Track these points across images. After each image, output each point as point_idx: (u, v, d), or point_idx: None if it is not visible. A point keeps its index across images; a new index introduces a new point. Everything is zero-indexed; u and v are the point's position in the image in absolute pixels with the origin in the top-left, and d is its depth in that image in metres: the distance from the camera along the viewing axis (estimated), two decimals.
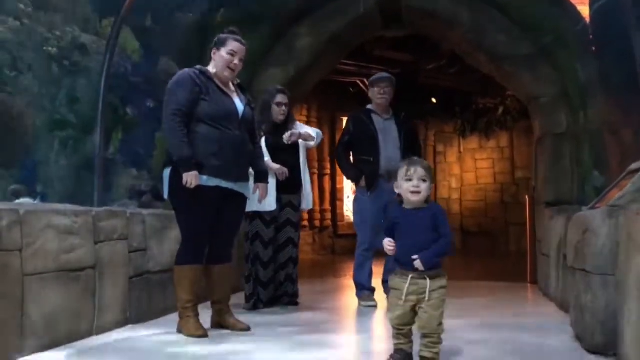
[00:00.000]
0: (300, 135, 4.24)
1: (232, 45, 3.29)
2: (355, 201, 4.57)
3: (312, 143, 4.36)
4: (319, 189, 10.79)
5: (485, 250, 11.06)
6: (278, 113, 4.28)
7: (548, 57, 5.08)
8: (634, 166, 2.99)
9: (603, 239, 2.70)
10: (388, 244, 2.50)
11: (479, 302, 4.60)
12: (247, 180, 3.43)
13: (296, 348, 2.91)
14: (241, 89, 3.49)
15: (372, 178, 4.36)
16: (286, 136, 4.18)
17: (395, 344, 2.51)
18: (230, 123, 3.25)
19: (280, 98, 4.29)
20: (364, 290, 4.41)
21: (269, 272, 4.17)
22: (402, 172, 2.49)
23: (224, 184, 3.24)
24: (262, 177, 3.56)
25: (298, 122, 4.52)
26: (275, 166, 4.15)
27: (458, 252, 11.32)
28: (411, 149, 4.40)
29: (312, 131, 4.39)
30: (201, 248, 3.26)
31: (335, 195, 11.17)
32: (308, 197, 4.34)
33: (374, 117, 4.51)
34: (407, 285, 2.41)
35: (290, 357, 2.75)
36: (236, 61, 3.30)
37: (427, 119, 11.73)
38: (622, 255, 2.56)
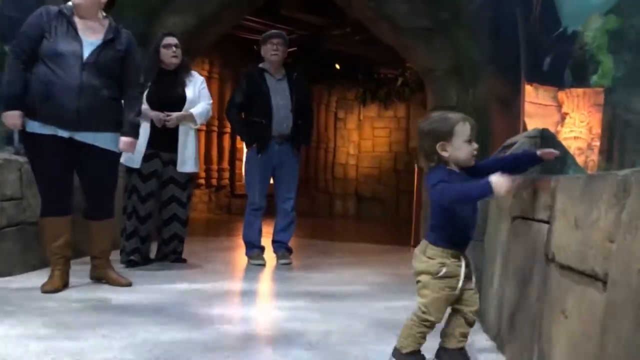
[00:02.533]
0: (177, 120, 3.97)
1: None
2: (247, 162, 4.57)
3: (192, 125, 4.08)
4: (217, 148, 10.60)
5: (378, 215, 11.51)
6: (168, 56, 4.00)
7: (444, 32, 5.28)
8: (507, 142, 3.22)
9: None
10: (505, 180, 1.81)
11: (368, 261, 4.81)
12: (102, 130, 3.08)
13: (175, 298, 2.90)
14: (117, 31, 3.15)
15: (263, 140, 4.34)
16: (158, 118, 3.90)
17: (414, 346, 1.96)
18: (69, 65, 2.95)
19: (169, 40, 4.02)
20: (254, 248, 4.46)
21: (147, 226, 4.03)
22: (463, 131, 1.91)
23: (61, 132, 2.99)
24: (126, 129, 3.17)
25: (198, 76, 4.26)
26: (153, 113, 3.92)
27: (352, 217, 11.71)
28: (302, 110, 4.45)
29: (201, 107, 4.06)
30: (57, 200, 3.09)
31: (235, 155, 11.03)
32: (187, 160, 4.06)
33: (267, 76, 4.43)
34: (463, 269, 1.94)
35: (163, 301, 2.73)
36: None
37: (330, 85, 11.84)
38: (490, 224, 2.77)
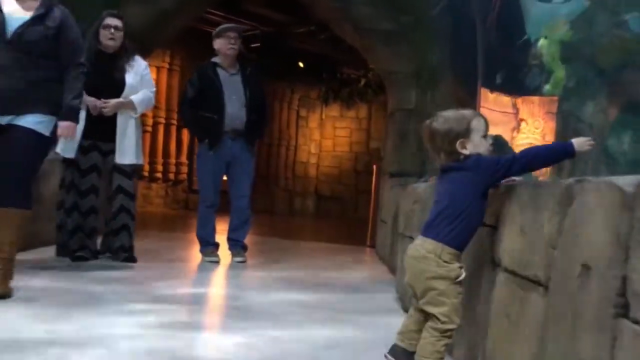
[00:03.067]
0: (115, 107, 3.72)
1: None
2: (199, 157, 4.46)
3: (132, 113, 3.82)
4: (176, 141, 10.44)
5: (336, 214, 11.56)
6: (106, 37, 3.72)
7: (406, 35, 5.34)
8: None
9: (429, 209, 2.94)
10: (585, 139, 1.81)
11: (319, 263, 4.81)
12: (26, 113, 2.77)
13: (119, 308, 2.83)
14: (50, 7, 2.87)
15: (215, 137, 4.24)
16: (93, 105, 3.66)
17: (447, 347, 1.87)
18: None
19: (109, 20, 3.75)
20: (208, 245, 4.38)
21: (90, 221, 3.81)
22: (479, 126, 1.87)
23: None
24: (64, 112, 2.88)
25: (141, 61, 3.94)
26: (89, 99, 3.62)
27: (311, 215, 11.72)
28: (257, 106, 4.34)
29: (142, 94, 3.80)
30: None
31: (193, 149, 10.87)
32: (127, 150, 3.79)
33: (220, 71, 4.30)
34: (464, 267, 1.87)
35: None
36: None
37: (293, 83, 11.82)
38: None
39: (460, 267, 1.82)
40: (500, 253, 1.83)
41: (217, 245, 4.42)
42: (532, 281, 1.56)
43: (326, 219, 11.06)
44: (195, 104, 4.30)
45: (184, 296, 3.16)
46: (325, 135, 12.24)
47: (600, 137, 2.81)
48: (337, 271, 4.39)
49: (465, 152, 1.84)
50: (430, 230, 1.86)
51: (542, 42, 3.01)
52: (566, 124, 3.16)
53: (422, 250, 1.84)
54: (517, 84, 3.48)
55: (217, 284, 3.75)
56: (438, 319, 1.80)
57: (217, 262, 4.27)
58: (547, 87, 3.15)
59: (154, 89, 4.01)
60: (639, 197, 1.12)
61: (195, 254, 4.55)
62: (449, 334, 1.82)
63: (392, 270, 4.28)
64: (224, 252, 4.43)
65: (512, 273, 1.71)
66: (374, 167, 6.50)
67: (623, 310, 1.12)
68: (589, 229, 1.30)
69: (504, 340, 1.70)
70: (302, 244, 6.31)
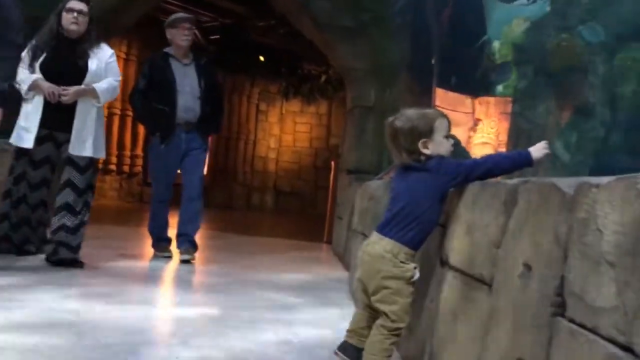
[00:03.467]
0: (75, 95, 3.47)
1: None
2: (151, 151, 4.31)
3: (95, 102, 3.56)
4: (131, 133, 10.21)
5: (295, 210, 11.55)
6: (68, 21, 3.47)
7: (365, 32, 5.36)
8: None
9: (383, 206, 2.95)
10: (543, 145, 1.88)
11: (276, 258, 4.78)
12: None
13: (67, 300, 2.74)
14: None
15: (167, 129, 4.09)
16: (51, 91, 3.40)
17: (389, 357, 1.86)
18: None
19: (72, 4, 3.50)
20: (160, 241, 4.29)
21: (38, 214, 3.62)
22: (442, 126, 1.86)
23: None
24: None
25: (107, 48, 3.69)
26: (45, 84, 3.40)
27: (269, 210, 11.67)
28: (212, 98, 4.21)
29: (107, 83, 3.57)
30: None
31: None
32: (85, 141, 3.51)
33: (172, 61, 4.15)
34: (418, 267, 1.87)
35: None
36: None
37: (253, 76, 11.72)
38: None
39: (415, 268, 1.84)
40: (448, 252, 1.85)
41: (169, 241, 4.32)
42: (477, 280, 1.58)
43: (285, 214, 11.03)
44: (146, 96, 4.15)
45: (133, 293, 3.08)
46: (285, 130, 12.20)
47: (548, 139, 2.89)
48: (291, 268, 4.38)
49: (427, 151, 1.83)
50: (387, 229, 1.85)
51: (495, 43, 3.06)
52: (516, 125, 3.23)
53: (380, 249, 1.83)
54: (471, 84, 3.53)
55: (166, 284, 3.68)
56: (388, 317, 1.81)
57: (170, 257, 4.18)
58: (499, 88, 3.21)
59: (120, 79, 3.73)
60: (578, 199, 1.15)
61: (147, 248, 4.45)
62: (398, 332, 1.83)
63: (347, 267, 4.29)
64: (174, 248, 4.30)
65: (459, 272, 1.73)
66: (332, 163, 6.50)
67: (560, 310, 1.14)
68: (531, 229, 1.33)
69: (450, 338, 1.72)
70: (258, 240, 6.27)
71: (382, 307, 1.82)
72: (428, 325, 1.92)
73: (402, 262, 1.80)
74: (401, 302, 1.81)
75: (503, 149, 3.92)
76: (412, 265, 1.83)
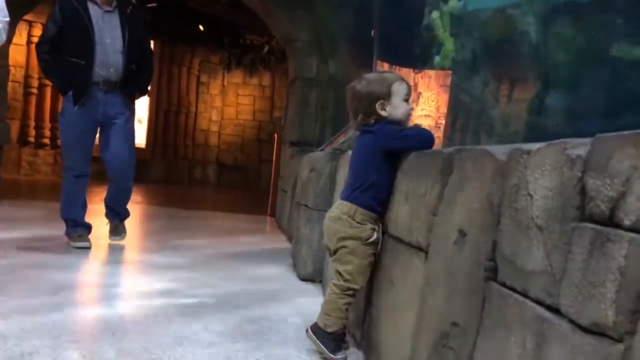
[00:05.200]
0: None
1: None
2: (62, 115, 3.59)
3: None
4: None
5: (239, 184, 11.43)
6: None
7: (306, 2, 5.27)
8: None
9: (324, 178, 2.95)
10: None
11: (220, 232, 4.72)
12: None
13: None
14: None
15: (82, 88, 3.46)
16: None
17: (341, 323, 1.87)
18: None
19: None
20: (75, 227, 3.58)
21: None
22: (400, 90, 1.88)
23: None
24: None
25: None
26: None
27: (212, 185, 11.50)
28: (138, 52, 3.64)
29: None
30: None
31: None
32: None
33: (91, 6, 3.49)
34: (379, 230, 1.88)
35: None
36: None
37: (193, 46, 11.38)
38: (338, 190, 2.83)
39: (373, 229, 1.85)
40: (386, 220, 1.86)
41: (87, 227, 3.62)
42: (415, 247, 1.60)
43: (228, 188, 10.91)
44: (57, 46, 3.45)
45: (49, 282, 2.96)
46: (227, 103, 11.97)
47: (484, 110, 2.94)
48: (233, 241, 4.34)
49: (384, 113, 1.86)
50: (346, 193, 1.91)
51: (434, 14, 3.07)
52: (455, 97, 3.27)
53: (338, 211, 1.89)
54: (410, 57, 3.54)
55: (89, 271, 3.56)
56: (342, 275, 1.85)
57: (87, 248, 3.50)
58: (437, 59, 3.24)
59: (8, 19, 3.06)
60: (510, 165, 1.16)
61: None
62: (351, 292, 1.86)
63: (290, 238, 4.29)
64: (96, 235, 3.68)
65: (397, 239, 1.75)
66: (275, 136, 6.44)
67: (492, 274, 1.17)
68: (466, 196, 1.34)
69: (388, 306, 1.74)
70: (204, 214, 6.18)
71: (337, 266, 1.87)
72: (368, 293, 1.94)
73: (358, 222, 1.84)
74: (356, 263, 1.84)
75: (442, 121, 3.98)
76: (370, 226, 1.85)
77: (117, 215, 3.76)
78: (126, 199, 3.77)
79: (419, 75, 4.28)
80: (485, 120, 2.91)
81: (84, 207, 3.62)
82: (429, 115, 4.36)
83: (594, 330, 0.81)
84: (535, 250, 1.02)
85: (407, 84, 1.93)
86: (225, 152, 11.88)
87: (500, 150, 1.26)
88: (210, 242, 4.11)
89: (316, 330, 1.85)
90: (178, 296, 2.53)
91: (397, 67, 4.25)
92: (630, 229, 0.79)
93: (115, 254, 3.50)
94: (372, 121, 1.88)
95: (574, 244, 0.90)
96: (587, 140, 1.08)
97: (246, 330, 2.11)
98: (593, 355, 0.80)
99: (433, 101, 4.33)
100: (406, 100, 1.90)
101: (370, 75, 1.97)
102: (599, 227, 0.85)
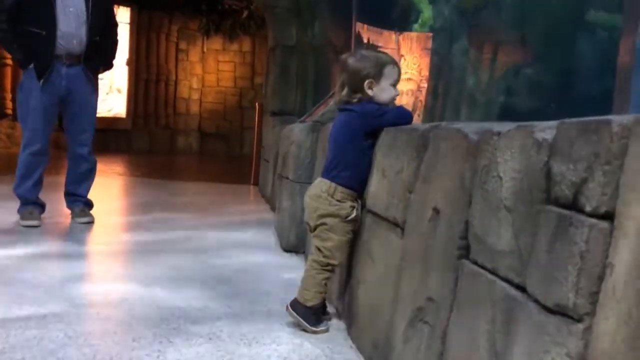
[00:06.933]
0: None
1: None
2: (21, 90, 3.44)
3: None
4: None
5: (222, 152, 11.37)
6: None
7: None
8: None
9: (305, 151, 2.96)
10: None
11: (204, 204, 4.73)
12: None
13: None
14: None
15: (44, 60, 3.30)
16: None
17: (320, 297, 1.90)
18: None
19: None
20: (27, 205, 3.44)
21: None
22: (392, 73, 1.89)
23: None
24: None
25: None
26: None
27: (195, 154, 11.43)
28: (103, 25, 3.48)
29: None
30: None
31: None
32: None
33: None
34: (358, 207, 1.89)
35: None
36: None
37: (171, 13, 11.13)
38: (318, 163, 2.84)
39: (352, 207, 1.88)
40: (366, 196, 1.89)
41: (40, 207, 3.50)
42: (392, 223, 1.63)
43: (211, 156, 10.85)
44: (16, 16, 3.27)
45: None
46: (207, 70, 11.78)
47: (462, 78, 2.95)
48: (217, 211, 4.35)
49: (370, 92, 1.86)
50: (326, 171, 1.93)
51: None
52: (436, 63, 3.27)
53: (317, 189, 1.91)
54: (389, 19, 3.52)
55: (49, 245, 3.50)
56: (321, 251, 1.89)
57: (36, 227, 3.35)
58: (415, 26, 3.22)
59: None
60: (482, 145, 1.18)
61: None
62: (330, 267, 1.90)
63: (274, 208, 4.31)
64: (54, 214, 3.63)
65: (376, 215, 1.78)
66: (257, 105, 6.39)
67: (465, 252, 1.20)
68: (440, 175, 1.37)
69: (368, 280, 1.79)
70: (187, 185, 6.16)
71: (317, 243, 1.90)
72: (348, 264, 1.97)
73: (338, 200, 1.88)
74: (335, 239, 1.88)
75: (425, 85, 3.98)
76: (349, 204, 1.88)
77: (79, 199, 3.61)
78: (90, 178, 3.65)
79: (401, 36, 4.25)
80: (465, 86, 2.92)
81: (38, 185, 3.48)
82: (411, 79, 4.35)
83: (557, 311, 0.84)
84: (504, 230, 1.05)
85: (399, 69, 1.93)
86: (207, 120, 11.76)
87: (472, 130, 1.28)
88: (194, 215, 4.12)
89: (296, 305, 1.90)
90: (158, 273, 2.55)
91: (378, 29, 4.21)
92: (591, 215, 0.82)
93: (82, 232, 3.51)
94: (355, 100, 1.88)
95: (540, 226, 0.94)
96: (554, 123, 1.10)
97: (229, 304, 2.15)
98: (556, 334, 0.84)
99: (415, 64, 4.31)
100: (393, 85, 1.90)
101: (366, 52, 1.98)
102: (563, 210, 0.88)
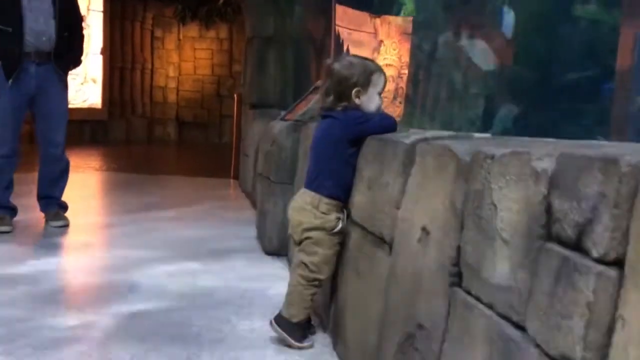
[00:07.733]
0: None
1: None
2: None
3: None
4: None
5: (200, 141, 11.20)
6: None
7: None
8: (319, 82, 3.19)
9: (287, 151, 2.88)
10: None
11: (183, 200, 4.62)
12: None
13: None
14: None
15: (12, 59, 3.20)
16: None
17: (306, 313, 1.86)
18: None
19: None
20: None
21: None
22: (379, 82, 1.84)
23: None
24: None
25: None
26: None
27: (173, 143, 11.25)
28: (71, 20, 3.37)
29: None
30: None
31: None
32: None
33: None
34: (344, 218, 1.83)
35: None
36: None
37: (145, 0, 10.85)
38: (300, 164, 2.77)
39: (338, 219, 1.81)
40: (351, 205, 1.82)
41: (11, 211, 3.37)
42: (379, 238, 1.57)
43: (190, 146, 10.67)
44: None
45: None
46: (184, 58, 11.55)
47: (446, 71, 2.89)
48: (197, 210, 4.25)
49: (357, 101, 1.81)
50: (309, 182, 1.86)
51: None
52: (415, 56, 3.21)
53: (301, 202, 1.85)
54: (369, 2, 3.43)
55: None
56: (307, 266, 1.82)
57: (8, 232, 3.24)
58: (397, 20, 3.15)
59: None
60: (474, 167, 1.12)
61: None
62: (316, 283, 1.84)
63: (255, 204, 4.23)
64: (27, 217, 3.47)
65: (362, 228, 1.71)
66: (235, 96, 6.26)
67: (457, 280, 1.14)
68: (428, 194, 1.30)
69: (354, 295, 1.72)
70: (165, 178, 6.03)
71: (302, 257, 1.83)
72: (334, 278, 1.91)
73: (323, 212, 1.81)
74: (321, 253, 1.81)
75: (405, 71, 3.91)
76: (334, 215, 1.81)
77: (52, 201, 3.49)
78: (63, 180, 3.52)
79: (378, 19, 4.14)
80: (447, 78, 2.87)
81: (9, 188, 3.36)
82: (391, 65, 4.27)
83: None
84: (501, 264, 0.99)
85: (385, 78, 1.89)
86: (184, 108, 11.56)
87: (462, 149, 1.21)
88: (177, 214, 4.02)
89: (280, 321, 1.83)
90: (142, 273, 2.47)
91: (357, 12, 4.11)
92: (599, 261, 0.76)
93: (56, 236, 3.40)
94: (340, 108, 1.81)
95: (540, 265, 0.88)
96: (551, 147, 1.04)
97: (213, 307, 2.08)
98: None
99: (395, 49, 4.22)
100: (379, 94, 1.85)
101: (352, 58, 1.91)
102: (565, 251, 0.82)
